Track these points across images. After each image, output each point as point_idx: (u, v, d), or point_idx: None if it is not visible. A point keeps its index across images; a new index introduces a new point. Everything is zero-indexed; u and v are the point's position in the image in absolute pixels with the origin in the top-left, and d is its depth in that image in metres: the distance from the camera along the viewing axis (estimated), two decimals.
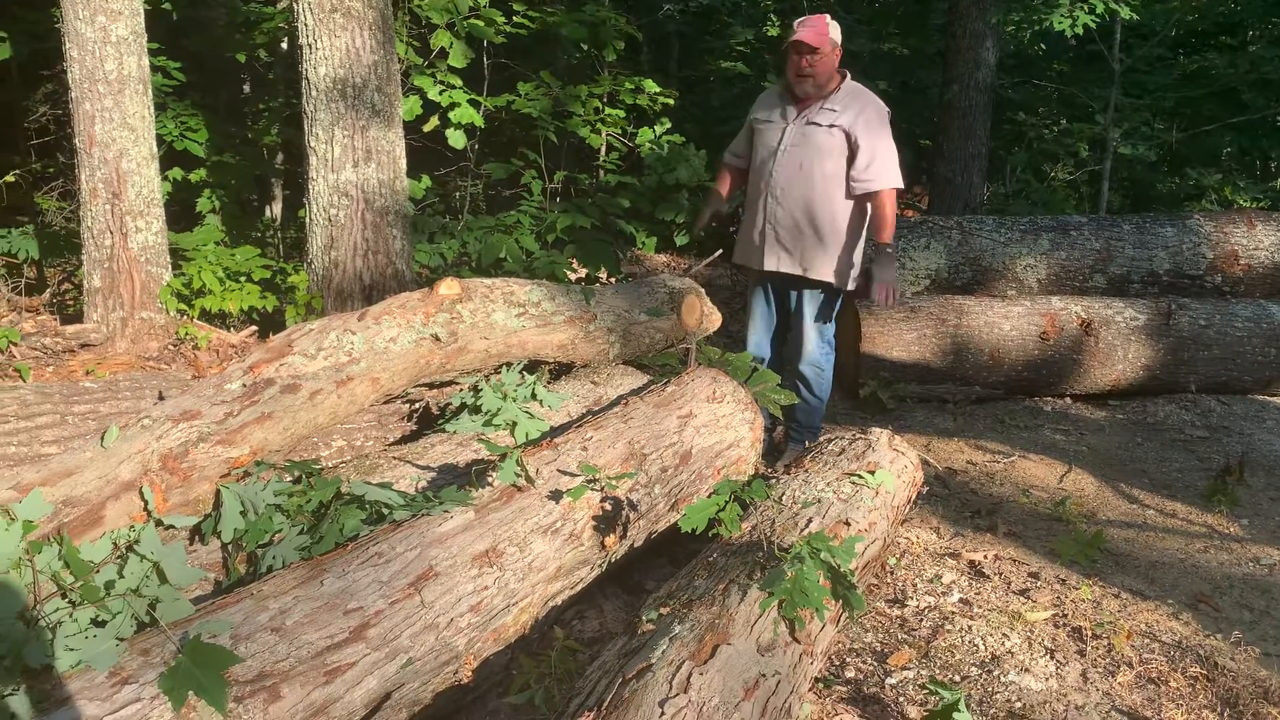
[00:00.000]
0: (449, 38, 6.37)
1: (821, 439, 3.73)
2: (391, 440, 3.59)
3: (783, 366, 4.63)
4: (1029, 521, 4.10)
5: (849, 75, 4.29)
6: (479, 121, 7.12)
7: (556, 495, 2.71)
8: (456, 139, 7.20)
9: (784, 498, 3.07)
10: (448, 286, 3.46)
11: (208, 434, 2.47)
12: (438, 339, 3.27)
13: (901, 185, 4.23)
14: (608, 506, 2.81)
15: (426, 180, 7.60)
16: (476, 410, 3.32)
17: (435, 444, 3.16)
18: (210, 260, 5.70)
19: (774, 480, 3.25)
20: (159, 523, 2.30)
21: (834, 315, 4.46)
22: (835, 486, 3.17)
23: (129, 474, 2.28)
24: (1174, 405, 5.78)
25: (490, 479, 2.68)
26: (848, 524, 2.95)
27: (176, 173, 7.20)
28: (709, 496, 2.68)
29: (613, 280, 5.72)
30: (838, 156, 4.20)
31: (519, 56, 8.24)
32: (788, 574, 2.33)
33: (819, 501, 3.04)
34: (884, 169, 4.18)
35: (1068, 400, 5.88)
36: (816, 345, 4.47)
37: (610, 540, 2.77)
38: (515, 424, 3.28)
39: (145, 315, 5.21)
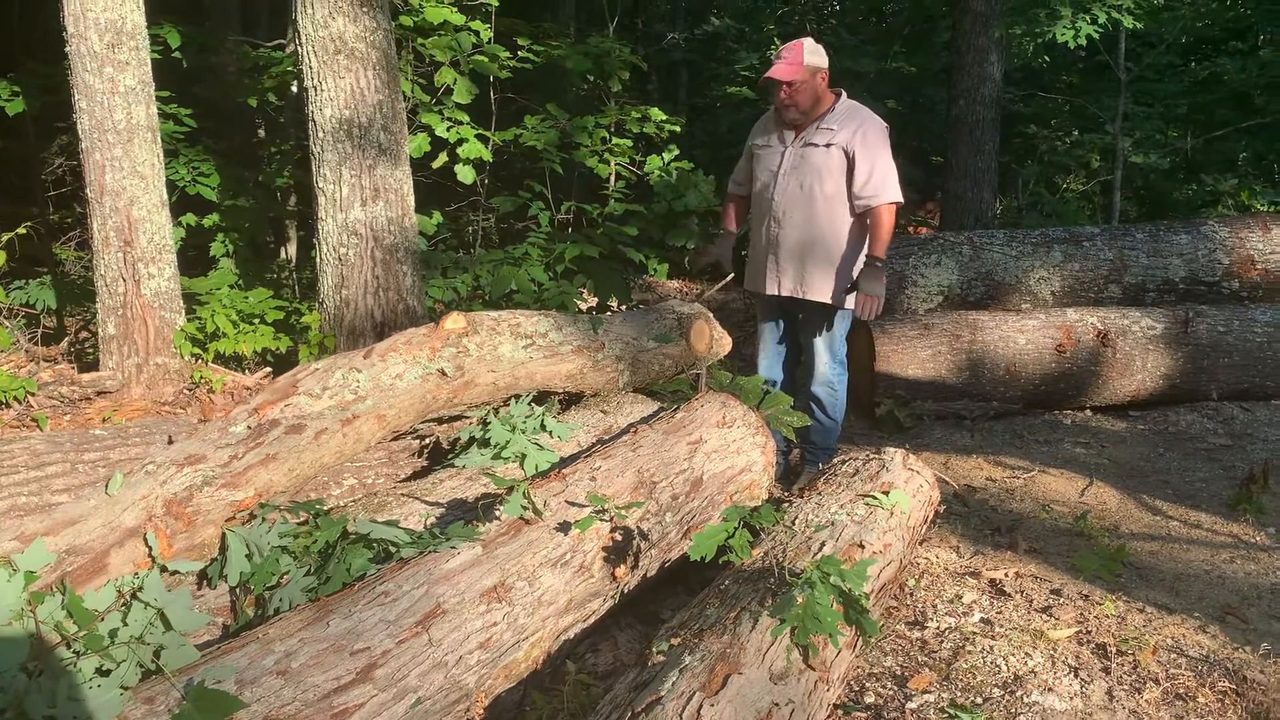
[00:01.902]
0: (453, 75, 6.42)
1: (835, 460, 3.70)
2: (403, 477, 3.58)
3: (796, 389, 4.60)
4: (1050, 537, 4.04)
5: (844, 94, 4.29)
6: (487, 156, 7.15)
7: (565, 527, 2.69)
8: (465, 174, 7.23)
9: (797, 521, 3.03)
10: (453, 321, 3.46)
11: (212, 478, 2.47)
12: (444, 374, 3.26)
13: (901, 200, 4.21)
14: (617, 537, 2.79)
15: (438, 216, 7.63)
16: (485, 444, 3.31)
17: (444, 479, 3.15)
18: (224, 304, 5.74)
19: (787, 504, 3.22)
20: (164, 569, 2.29)
21: (844, 335, 4.44)
22: (849, 509, 3.14)
23: (133, 520, 2.28)
24: (1195, 414, 5.71)
25: (497, 513, 2.66)
26: (862, 546, 2.91)
27: (190, 218, 7.27)
28: (719, 523, 2.65)
29: (624, 308, 5.72)
30: (838, 176, 4.19)
31: (526, 90, 8.29)
32: (798, 599, 2.29)
33: (832, 524, 3.00)
34: (883, 184, 4.16)
35: (1088, 412, 5.82)
36: (828, 365, 4.44)
37: (620, 571, 2.75)
38: (524, 456, 3.26)
39: (160, 361, 5.25)
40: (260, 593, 2.43)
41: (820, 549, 2.83)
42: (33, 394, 5.13)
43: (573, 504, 2.78)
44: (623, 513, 2.75)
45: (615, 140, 7.76)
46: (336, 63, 5.25)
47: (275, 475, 2.59)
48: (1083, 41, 6.50)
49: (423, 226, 7.33)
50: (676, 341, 4.22)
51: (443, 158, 7.20)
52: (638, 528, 2.87)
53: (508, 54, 7.40)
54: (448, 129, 7.12)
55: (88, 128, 5.03)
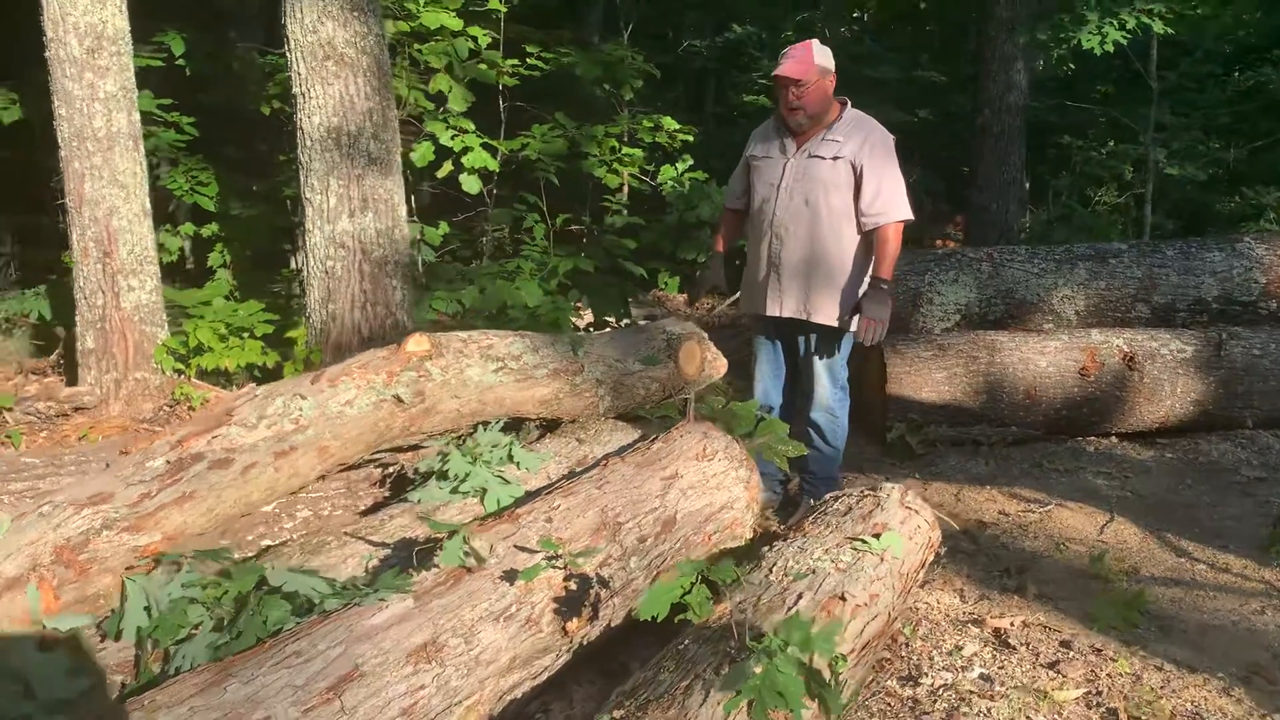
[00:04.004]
0: (448, 82, 6.22)
1: (827, 497, 3.42)
2: (361, 509, 3.36)
3: (795, 414, 4.34)
4: (1063, 580, 3.74)
5: (849, 103, 4.03)
6: (493, 165, 6.95)
7: (512, 575, 2.45)
8: (470, 184, 7.05)
9: (774, 568, 2.77)
10: (416, 343, 3.23)
11: (115, 520, 2.25)
12: (400, 400, 3.04)
13: (910, 218, 3.94)
14: (572, 586, 2.55)
15: (445, 226, 7.44)
16: (444, 476, 3.08)
17: (395, 515, 2.93)
18: (211, 317, 5.56)
19: (767, 548, 2.95)
20: (43, 625, 2.08)
21: (846, 358, 4.17)
22: (834, 554, 2.87)
23: (14, 570, 2.07)
24: (1229, 443, 5.37)
25: (436, 559, 2.43)
26: (843, 599, 2.64)
27: (188, 228, 7.13)
28: (673, 577, 2.39)
29: (623, 324, 5.47)
30: (844, 190, 3.93)
31: (544, 98, 8.09)
32: (756, 669, 2.04)
33: (813, 572, 2.74)
34: (891, 201, 3.90)
35: (1112, 440, 5.49)
36: (828, 390, 4.17)
37: (574, 625, 2.50)
38: (485, 491, 3.03)
39: (139, 376, 5.08)
40: (169, 646, 2.21)
41: (796, 602, 2.57)
42: (9, 409, 4.97)
43: (523, 549, 2.54)
44: (578, 560, 2.50)
45: (625, 150, 7.54)
46: (325, 69, 5.07)
47: (191, 516, 2.37)
48: (1109, 48, 6.17)
49: (429, 237, 7.14)
50: (664, 364, 3.97)
51: (447, 166, 7.02)
52: (597, 575, 2.62)
53: (515, 61, 7.20)
54: (452, 137, 6.93)
55: (67, 135, 4.88)
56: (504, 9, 6.98)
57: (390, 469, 3.43)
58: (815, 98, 3.89)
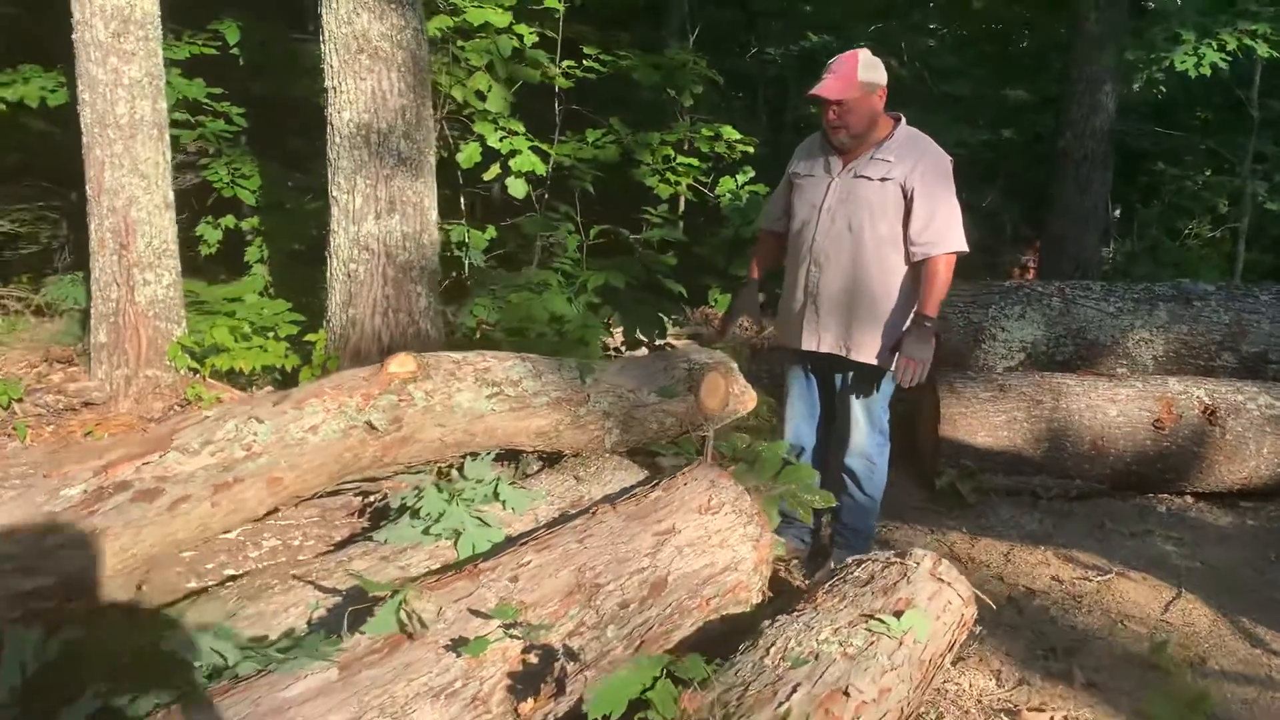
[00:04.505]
0: (487, 81, 5.95)
1: (849, 561, 3.05)
2: (338, 539, 3.08)
3: (829, 458, 3.97)
4: (1118, 666, 3.31)
5: (904, 119, 3.64)
6: (540, 169, 6.68)
7: (460, 644, 2.14)
8: (517, 188, 6.77)
9: (772, 649, 2.41)
10: (400, 363, 2.95)
11: (8, 556, 1.99)
12: (373, 427, 2.75)
13: (965, 249, 3.55)
14: (532, 659, 2.22)
15: (492, 230, 7.18)
16: (417, 514, 2.78)
17: (355, 557, 2.64)
18: (243, 314, 5.36)
19: (768, 623, 2.58)
20: None
21: (887, 401, 3.79)
22: (844, 635, 2.50)
23: None
24: None
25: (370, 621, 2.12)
26: (846, 694, 2.27)
27: (229, 220, 6.98)
28: (630, 670, 2.05)
29: (658, 344, 5.14)
30: (892, 216, 3.55)
31: (597, 102, 7.79)
32: None
33: (816, 658, 2.37)
34: (945, 231, 3.51)
35: (1187, 499, 5.00)
36: (867, 435, 3.79)
37: (528, 706, 2.17)
38: (460, 534, 2.72)
39: (151, 373, 4.88)
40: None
41: (790, 695, 2.21)
42: (18, 400, 4.82)
43: (478, 613, 2.22)
44: (539, 631, 2.18)
45: (680, 159, 7.20)
46: (358, 62, 4.83)
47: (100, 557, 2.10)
48: (1206, 71, 5.66)
49: (475, 241, 6.90)
50: (683, 396, 3.62)
51: (494, 169, 6.76)
52: (564, 646, 2.29)
53: (571, 63, 6.92)
54: (500, 139, 6.67)
55: (89, 121, 4.70)
56: (562, 7, 6.70)
57: (371, 498, 3.15)
58: (859, 117, 3.52)
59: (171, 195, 4.97)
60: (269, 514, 2.67)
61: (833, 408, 3.92)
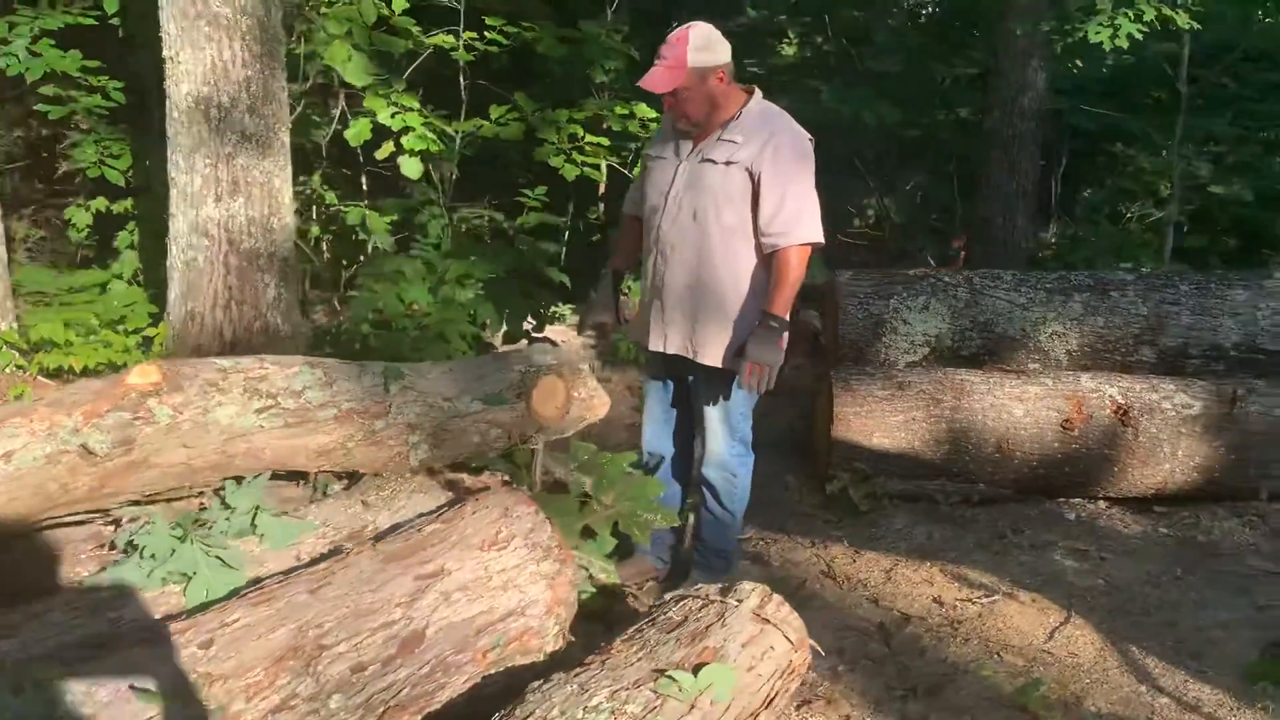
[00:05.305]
0: (346, 51, 5.50)
1: (667, 598, 2.67)
2: (83, 575, 2.68)
3: (688, 469, 3.61)
4: (980, 709, 2.96)
5: (758, 93, 3.24)
6: (434, 147, 6.24)
7: None
8: (410, 167, 6.32)
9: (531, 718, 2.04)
10: (142, 373, 2.54)
11: None
12: (89, 451, 2.34)
13: (820, 240, 3.16)
14: None
15: (390, 213, 6.74)
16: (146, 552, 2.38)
17: (56, 608, 2.23)
18: (74, 305, 4.93)
19: (542, 684, 2.20)
20: None
21: (748, 408, 3.41)
22: (623, 698, 2.12)
23: None
24: (1236, 519, 4.50)
25: None
26: None
27: (100, 203, 6.52)
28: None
29: (521, 344, 4.76)
30: (739, 202, 3.16)
31: (522, 79, 7.35)
32: None
33: None
34: (796, 220, 3.12)
35: (1100, 504, 4.66)
36: (724, 444, 3.41)
37: None
38: (190, 577, 2.32)
39: None
40: None
41: None
42: None
43: (140, 689, 1.83)
44: (214, 715, 1.79)
45: (589, 138, 6.77)
46: (197, 30, 4.42)
47: None
48: (1123, 43, 5.29)
49: (374, 224, 6.46)
50: (511, 404, 3.22)
51: (387, 147, 6.32)
52: None
53: (472, 34, 6.49)
54: (392, 115, 6.23)
55: None
56: None
57: (127, 526, 2.74)
58: (697, 104, 3.13)
59: None
60: None
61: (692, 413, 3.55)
